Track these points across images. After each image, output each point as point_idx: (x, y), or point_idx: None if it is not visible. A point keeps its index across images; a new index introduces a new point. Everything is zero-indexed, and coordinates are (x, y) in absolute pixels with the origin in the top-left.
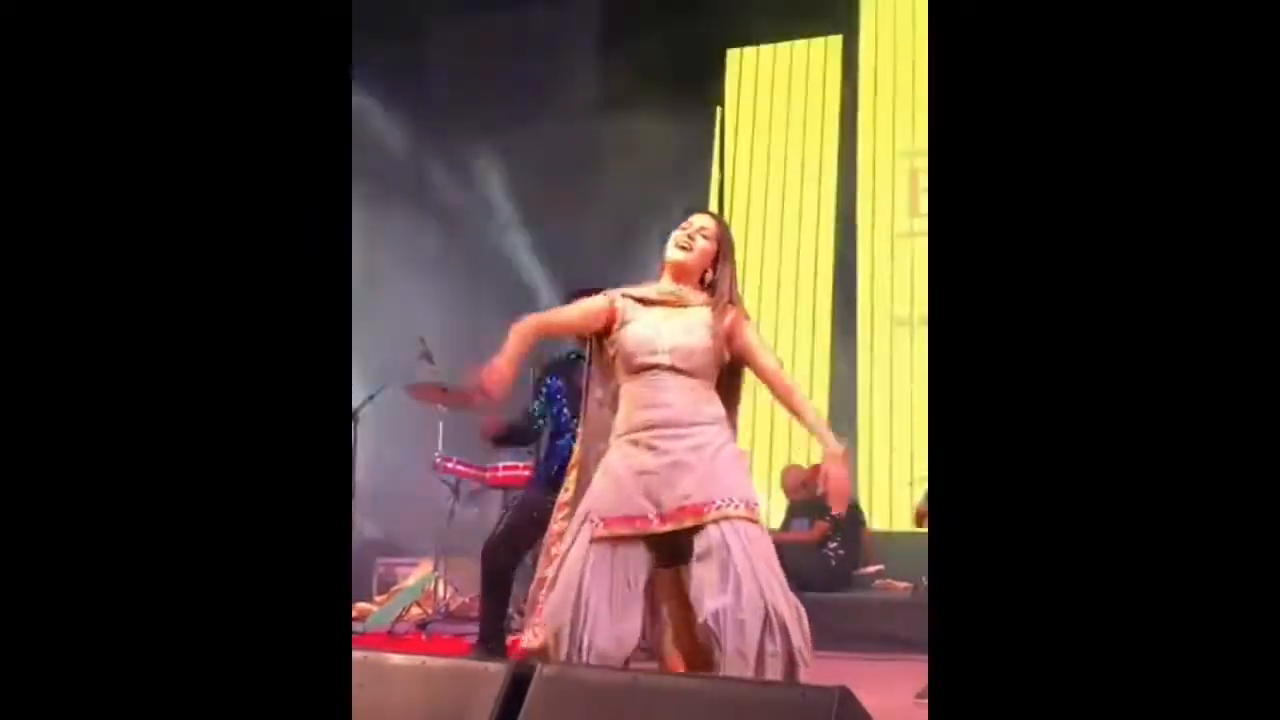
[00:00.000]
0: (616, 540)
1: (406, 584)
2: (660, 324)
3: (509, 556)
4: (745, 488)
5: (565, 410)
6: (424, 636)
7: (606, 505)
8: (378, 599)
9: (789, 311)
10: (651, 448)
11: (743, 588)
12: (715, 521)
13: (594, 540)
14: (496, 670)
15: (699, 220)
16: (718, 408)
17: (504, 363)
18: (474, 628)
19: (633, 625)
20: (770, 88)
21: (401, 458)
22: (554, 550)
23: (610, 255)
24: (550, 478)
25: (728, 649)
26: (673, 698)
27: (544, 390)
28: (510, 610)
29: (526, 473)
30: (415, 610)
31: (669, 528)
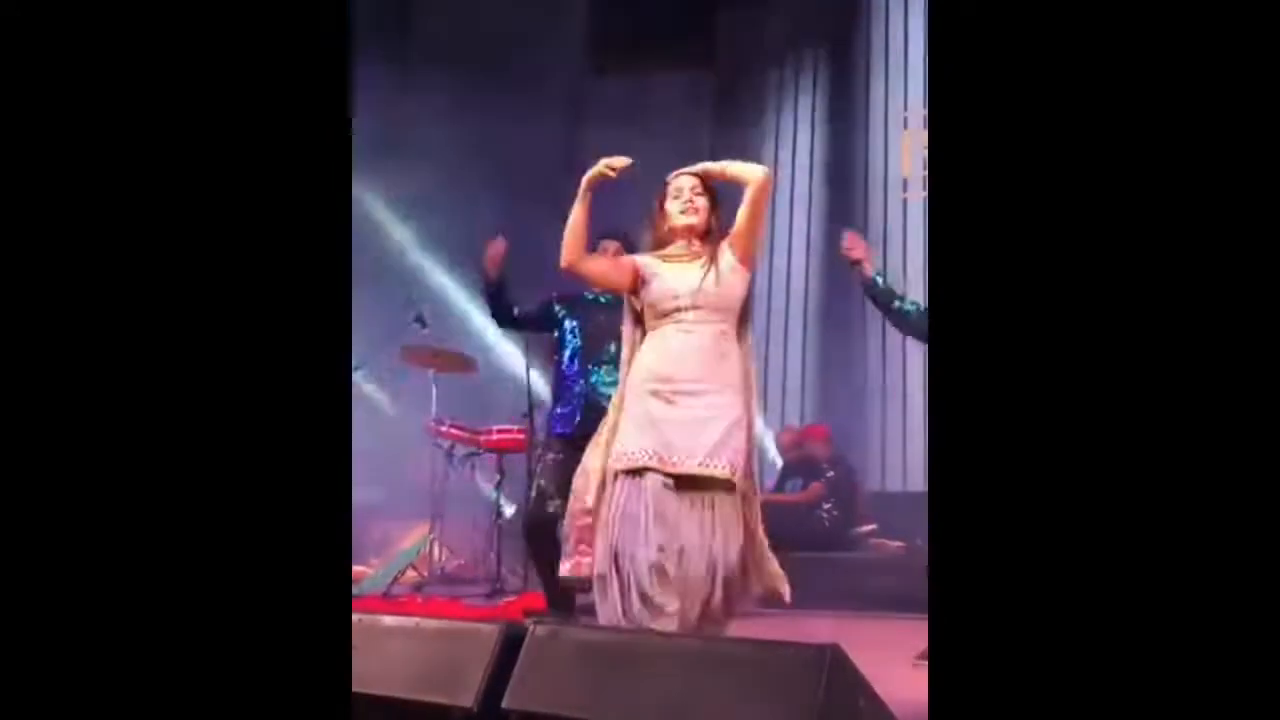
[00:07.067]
0: (635, 472)
1: (402, 547)
2: (681, 274)
3: (547, 516)
4: (734, 453)
5: (578, 357)
6: (419, 599)
7: (627, 445)
8: (373, 562)
9: (781, 268)
10: (669, 401)
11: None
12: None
13: (618, 475)
14: (490, 631)
15: (687, 182)
16: (732, 365)
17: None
18: (468, 590)
19: (666, 536)
20: (765, 49)
21: (395, 422)
22: (585, 487)
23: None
24: (564, 426)
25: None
26: (664, 656)
27: (559, 315)
28: (504, 570)
29: (520, 435)
30: (411, 573)
31: (671, 472)
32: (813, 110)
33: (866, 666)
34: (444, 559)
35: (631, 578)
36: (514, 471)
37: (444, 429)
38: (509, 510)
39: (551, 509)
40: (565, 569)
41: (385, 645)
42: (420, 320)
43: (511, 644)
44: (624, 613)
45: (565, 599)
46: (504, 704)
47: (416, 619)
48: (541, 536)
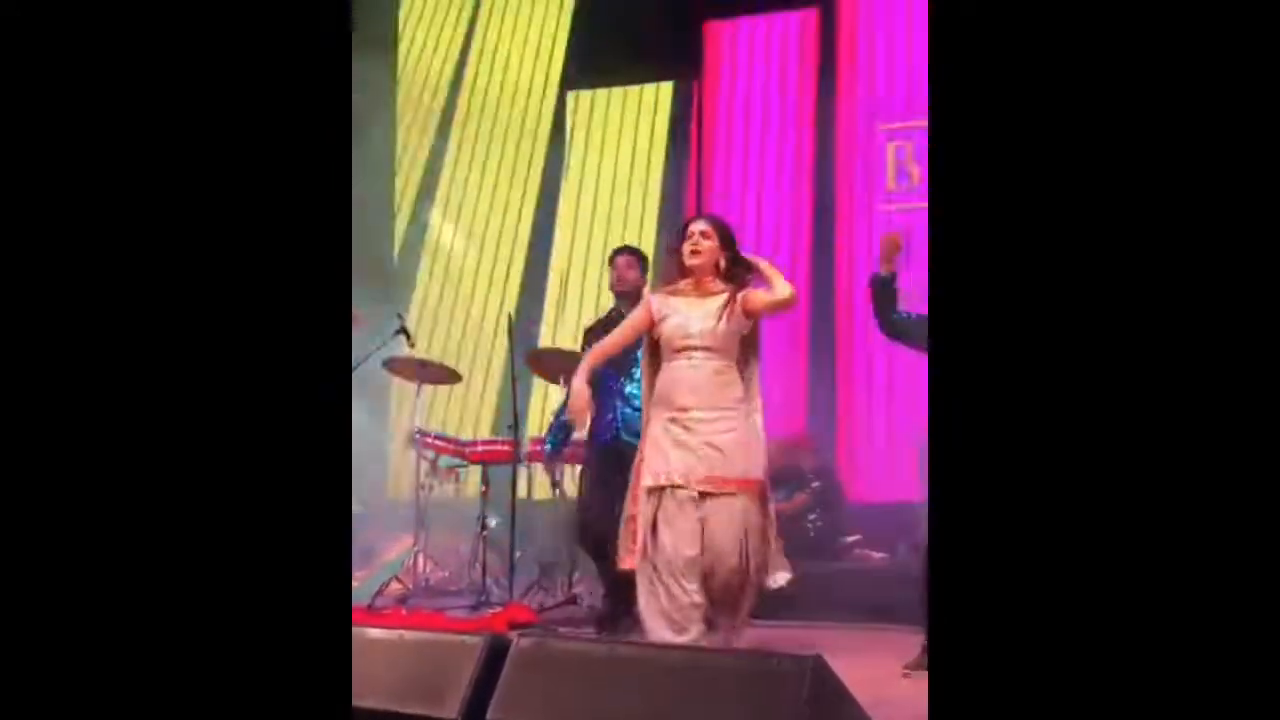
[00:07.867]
0: (667, 488)
1: (386, 558)
2: (693, 312)
3: (596, 522)
4: (746, 462)
5: (613, 372)
6: (403, 610)
7: (658, 466)
8: (357, 574)
9: None
10: (688, 428)
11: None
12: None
13: (650, 491)
14: (474, 643)
15: (698, 226)
16: (738, 389)
17: (582, 386)
18: (453, 601)
19: (695, 541)
20: (749, 62)
21: (380, 432)
22: (637, 495)
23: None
24: (605, 445)
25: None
26: (647, 667)
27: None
28: (488, 582)
29: (506, 448)
30: (395, 585)
31: (695, 489)
32: (799, 118)
33: (850, 677)
34: (428, 571)
35: (668, 578)
36: (499, 484)
37: (429, 440)
38: (493, 522)
39: (597, 514)
40: (626, 563)
41: (370, 657)
42: (404, 332)
43: (496, 655)
44: (663, 607)
45: (622, 592)
46: (489, 715)
47: (401, 630)
48: (595, 541)
